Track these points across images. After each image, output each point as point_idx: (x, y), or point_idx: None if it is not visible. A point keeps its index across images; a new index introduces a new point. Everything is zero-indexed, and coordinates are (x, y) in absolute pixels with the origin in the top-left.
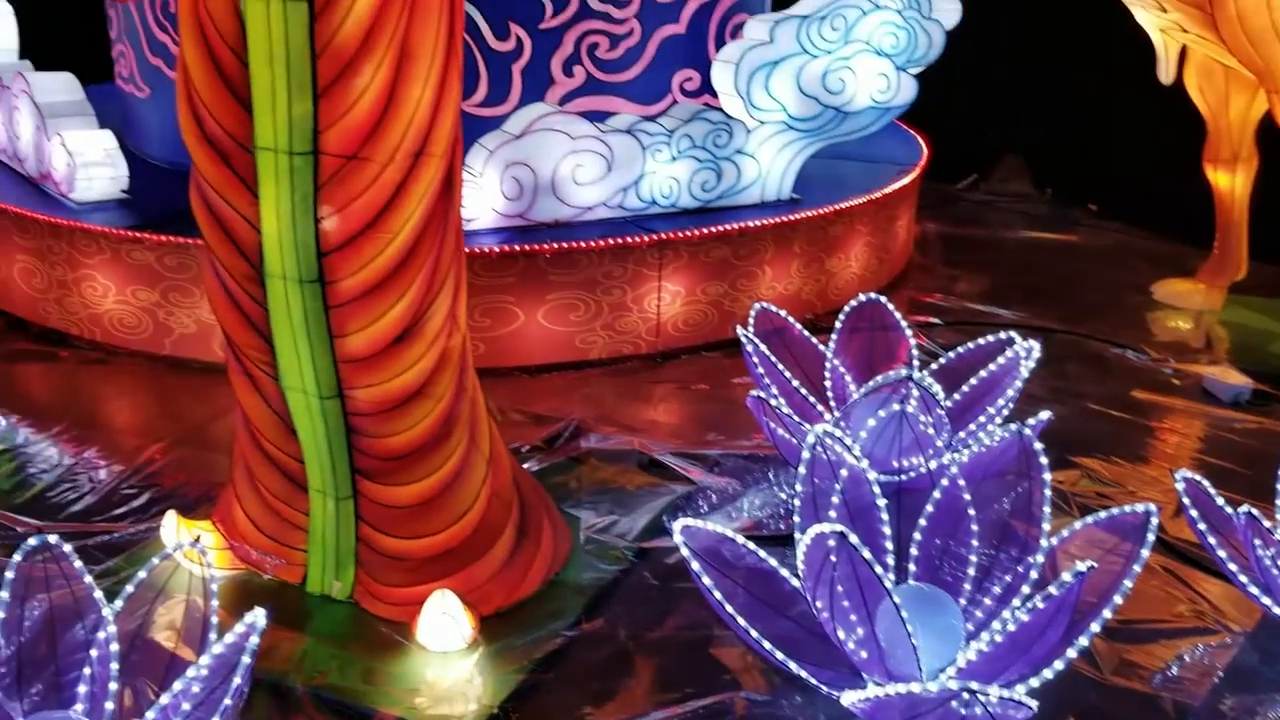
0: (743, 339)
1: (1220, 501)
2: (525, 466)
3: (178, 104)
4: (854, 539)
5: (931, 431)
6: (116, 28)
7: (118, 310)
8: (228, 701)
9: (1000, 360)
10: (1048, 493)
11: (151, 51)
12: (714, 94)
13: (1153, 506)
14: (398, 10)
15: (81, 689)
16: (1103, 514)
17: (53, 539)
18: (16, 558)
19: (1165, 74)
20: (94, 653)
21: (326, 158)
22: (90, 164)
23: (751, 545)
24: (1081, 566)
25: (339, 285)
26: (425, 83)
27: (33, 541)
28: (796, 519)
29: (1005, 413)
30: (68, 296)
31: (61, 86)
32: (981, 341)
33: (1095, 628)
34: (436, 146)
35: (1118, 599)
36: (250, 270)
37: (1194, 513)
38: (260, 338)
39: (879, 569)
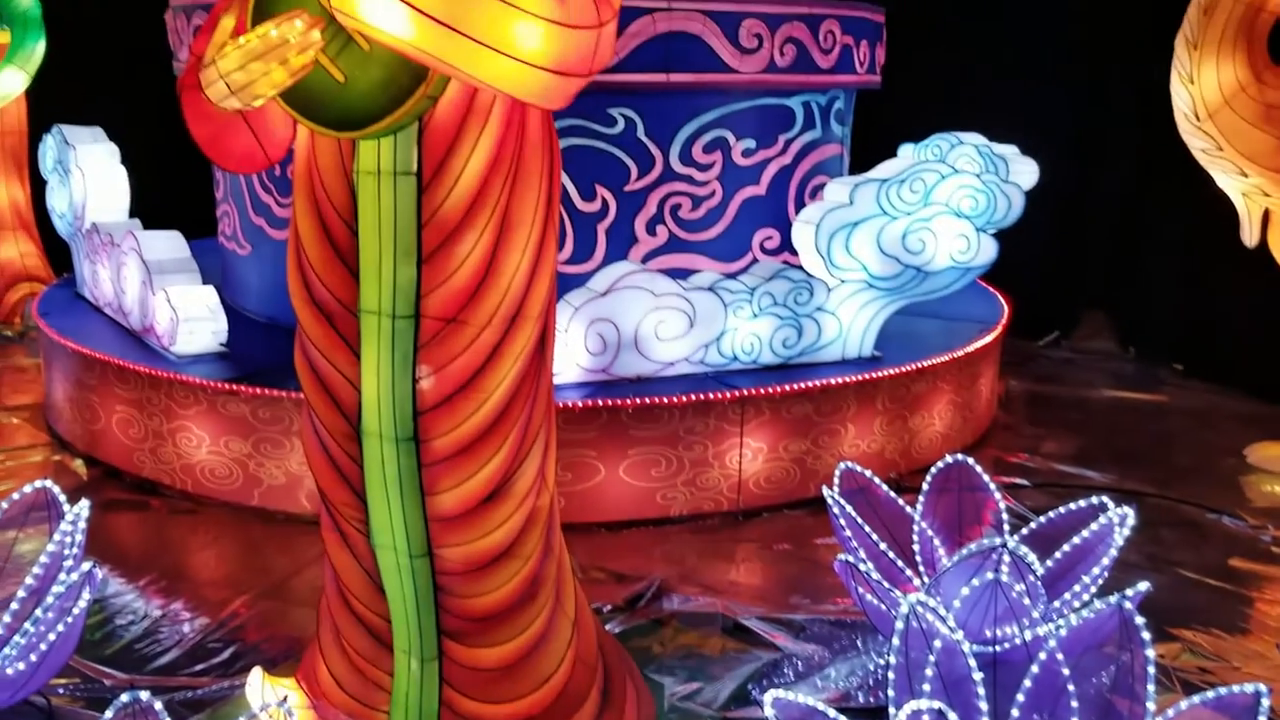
0: (828, 500)
1: None
2: (608, 628)
3: (288, 269)
4: (952, 717)
5: (1026, 601)
6: (222, 189)
7: (210, 460)
8: None
9: (1093, 527)
10: (1151, 669)
11: (255, 211)
12: (794, 252)
13: (1262, 687)
14: (500, 183)
15: None
16: (1209, 693)
17: (144, 695)
18: (108, 714)
19: (1249, 237)
20: None
21: (427, 321)
22: (192, 318)
23: (843, 719)
24: None
25: (433, 444)
26: (523, 250)
27: (125, 698)
28: (890, 692)
29: (1100, 582)
30: (162, 446)
31: (168, 244)
32: (1073, 506)
33: None
34: (532, 310)
35: None
36: (348, 428)
37: None
38: (354, 494)
39: None
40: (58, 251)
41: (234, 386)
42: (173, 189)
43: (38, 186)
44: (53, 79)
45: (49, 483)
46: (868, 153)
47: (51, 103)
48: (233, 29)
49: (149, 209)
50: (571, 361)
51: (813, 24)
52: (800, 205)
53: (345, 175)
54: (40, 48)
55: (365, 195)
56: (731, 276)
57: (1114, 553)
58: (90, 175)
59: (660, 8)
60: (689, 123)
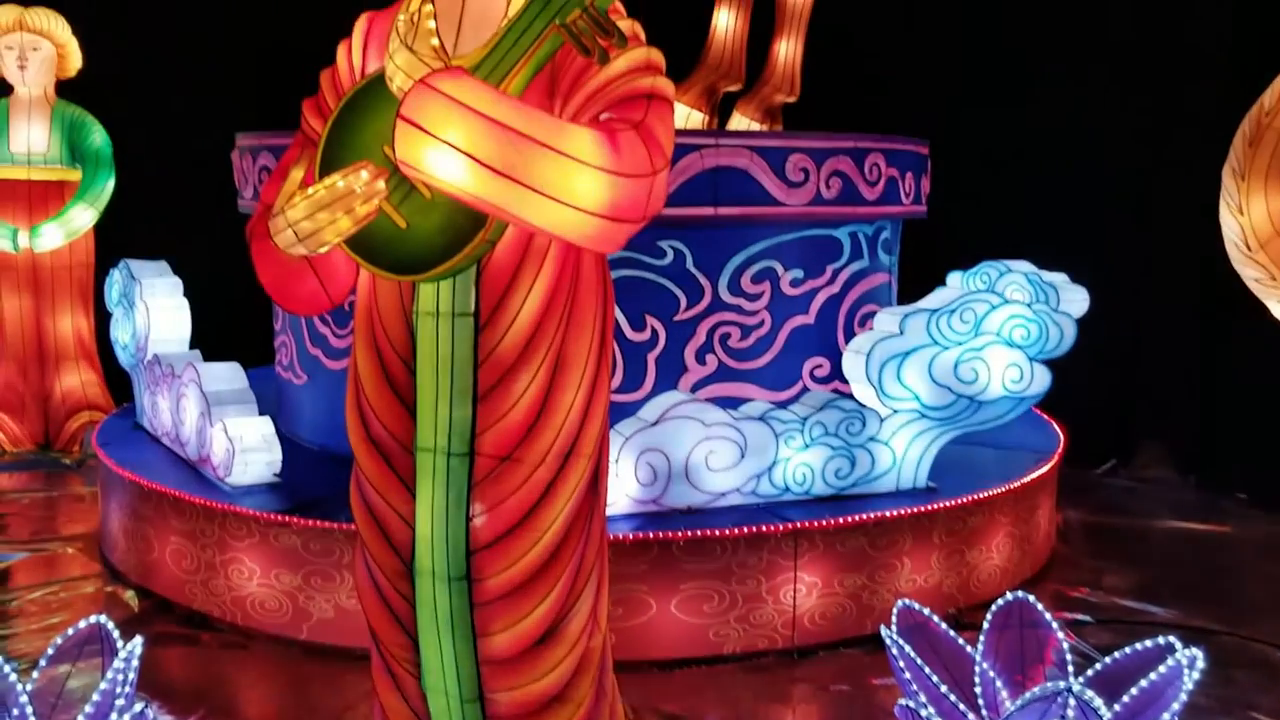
0: (887, 640)
1: None
2: None
3: (347, 407)
4: None
5: None
6: (281, 320)
7: (260, 593)
8: None
9: (1161, 669)
10: None
11: (312, 342)
12: (845, 381)
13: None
14: (555, 323)
15: None
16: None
17: None
18: None
19: None
20: None
21: (482, 458)
22: (248, 449)
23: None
24: None
25: (486, 583)
26: (577, 388)
27: None
28: None
29: None
30: (214, 579)
31: (227, 375)
32: (1139, 647)
33: None
34: (586, 447)
35: None
36: (401, 567)
37: None
38: (406, 635)
39: None
40: (118, 382)
41: (286, 518)
42: (233, 319)
43: (102, 318)
44: (121, 213)
45: (103, 618)
46: (916, 280)
47: (119, 236)
48: (301, 179)
49: (209, 338)
50: (622, 492)
51: (858, 157)
52: (849, 334)
53: (404, 316)
54: (110, 185)
55: (424, 335)
56: (782, 405)
57: (1184, 697)
58: (154, 308)
59: (708, 144)
60: (737, 254)
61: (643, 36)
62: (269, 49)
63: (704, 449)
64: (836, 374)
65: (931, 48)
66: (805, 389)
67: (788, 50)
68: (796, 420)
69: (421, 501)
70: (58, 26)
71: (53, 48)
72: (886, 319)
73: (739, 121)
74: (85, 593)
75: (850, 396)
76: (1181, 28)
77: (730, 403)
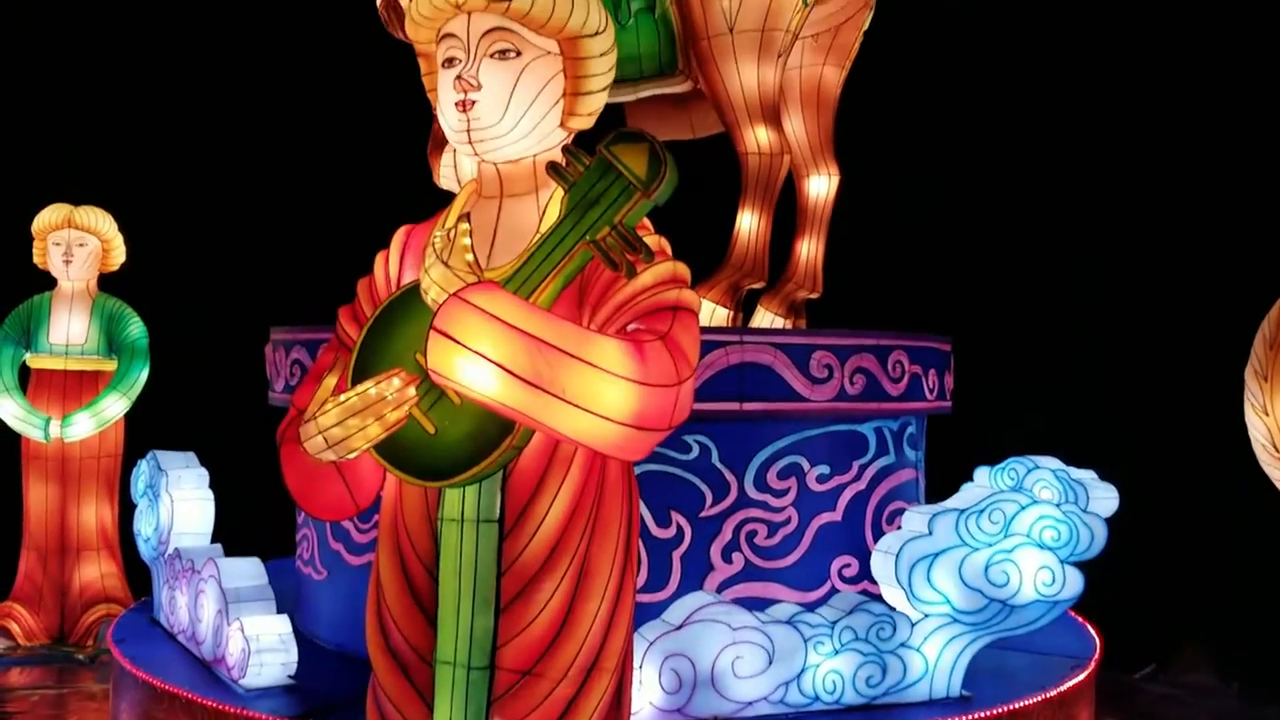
0: None
1: None
2: None
3: (367, 616)
4: None
5: None
6: (303, 513)
7: None
8: None
9: None
10: None
11: (334, 537)
12: (873, 581)
13: None
14: (580, 530)
15: None
16: None
17: None
18: None
19: None
20: None
21: (502, 673)
22: (264, 650)
23: None
24: None
25: None
26: (601, 598)
27: None
28: None
29: None
30: None
31: (247, 572)
32: None
33: None
34: (609, 662)
35: None
36: None
37: None
38: None
39: None
40: (139, 574)
41: None
42: (256, 508)
43: (126, 508)
44: (152, 403)
45: None
46: (943, 476)
47: (148, 426)
48: (334, 386)
49: (232, 528)
50: (645, 700)
51: (881, 354)
52: (877, 532)
53: (429, 522)
54: (144, 375)
55: (447, 542)
56: (810, 607)
57: None
58: (179, 500)
59: (733, 340)
60: (763, 449)
61: (669, 250)
62: (306, 245)
63: (730, 654)
64: (865, 574)
65: (954, 243)
66: (834, 589)
67: (809, 249)
68: (825, 624)
69: (439, 716)
70: (104, 224)
71: (98, 243)
72: (915, 518)
73: (763, 317)
74: None
75: (879, 599)
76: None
77: (757, 603)
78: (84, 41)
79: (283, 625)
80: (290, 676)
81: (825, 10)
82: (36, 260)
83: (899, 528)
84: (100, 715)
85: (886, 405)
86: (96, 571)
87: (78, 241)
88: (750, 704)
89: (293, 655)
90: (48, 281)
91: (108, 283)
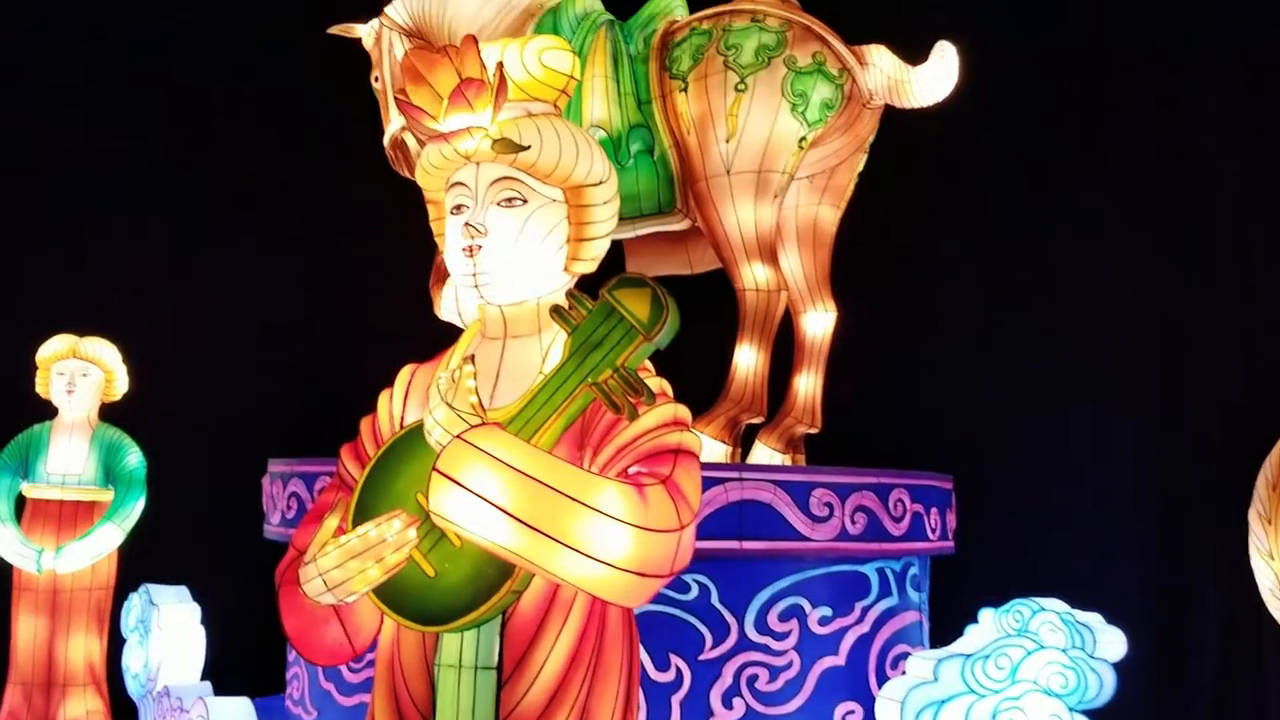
0: None
1: None
2: None
3: None
4: None
5: None
6: (295, 651)
7: None
8: None
9: None
10: None
11: (325, 677)
12: None
13: None
14: (580, 677)
15: None
16: None
17: None
18: None
19: None
20: None
21: None
22: None
23: None
24: None
25: None
26: None
27: None
28: None
29: None
30: None
31: (235, 712)
32: None
33: None
34: None
35: None
36: None
37: None
38: None
39: None
40: (125, 711)
41: None
42: (247, 643)
43: (115, 643)
44: (146, 535)
45: None
46: (947, 617)
47: (141, 558)
48: (335, 528)
49: (222, 663)
50: None
51: (882, 493)
52: (881, 676)
53: (427, 669)
54: (139, 506)
55: (444, 689)
56: None
57: None
58: (169, 635)
59: (732, 477)
60: (764, 589)
61: (670, 393)
62: (306, 380)
63: None
64: None
65: (954, 378)
66: None
67: (808, 384)
68: None
69: None
70: (108, 355)
71: (101, 374)
72: (919, 664)
73: (761, 452)
74: None
75: None
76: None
77: None
78: (83, 170)
79: None
80: None
81: (820, 153)
82: (39, 389)
83: (903, 673)
84: None
85: (889, 545)
86: (82, 708)
87: (81, 372)
88: None
89: None
90: (46, 410)
91: (108, 412)
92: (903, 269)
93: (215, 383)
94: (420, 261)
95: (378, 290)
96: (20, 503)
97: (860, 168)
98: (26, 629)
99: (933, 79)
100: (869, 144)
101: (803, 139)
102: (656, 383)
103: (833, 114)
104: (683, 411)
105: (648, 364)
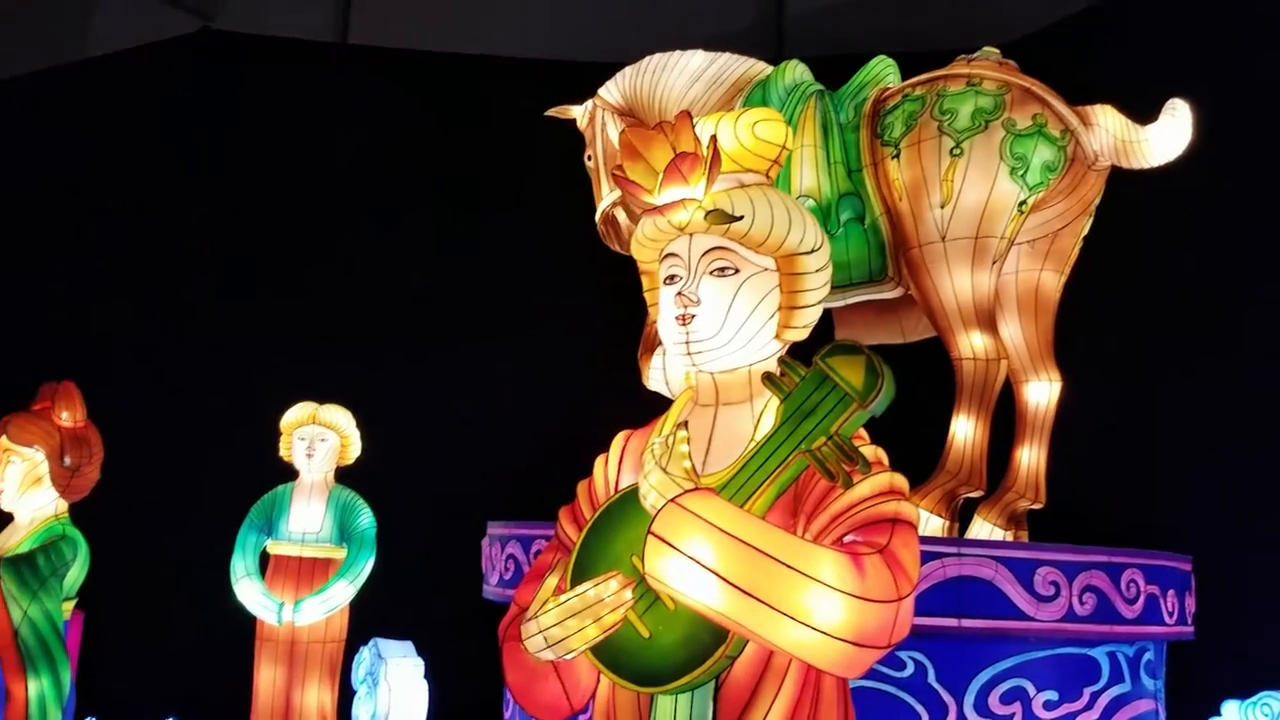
0: None
1: None
2: None
3: None
4: None
5: None
6: (511, 708)
7: None
8: None
9: None
10: None
11: None
12: None
13: None
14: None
15: None
16: None
17: None
18: None
19: None
20: None
21: None
22: None
23: None
24: None
25: None
26: None
27: None
28: None
29: None
30: None
31: None
32: None
33: None
34: None
35: None
36: None
37: None
38: None
39: None
40: None
41: None
42: (467, 700)
43: (344, 694)
44: (373, 591)
45: None
46: (1186, 708)
47: (369, 613)
48: (555, 586)
49: (443, 716)
50: None
51: (1113, 573)
52: None
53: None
54: (369, 564)
55: None
56: None
57: None
58: (396, 688)
59: (950, 552)
60: (984, 670)
61: (885, 461)
62: (525, 445)
63: None
64: None
65: (1189, 453)
66: None
67: (1030, 457)
68: None
69: None
70: (344, 421)
71: (338, 439)
72: None
73: (980, 528)
74: None
75: None
76: None
77: None
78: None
79: None
80: None
81: (1042, 217)
82: (282, 453)
83: None
84: None
85: (1120, 628)
86: None
87: (319, 437)
88: None
89: None
90: (288, 473)
91: (343, 474)
92: (1131, 336)
93: (440, 450)
94: (632, 334)
95: (589, 365)
96: (264, 559)
97: (1085, 231)
98: (267, 678)
99: (1165, 138)
100: (1094, 207)
101: (1023, 203)
102: (872, 451)
103: (1055, 176)
104: (899, 480)
105: (862, 432)
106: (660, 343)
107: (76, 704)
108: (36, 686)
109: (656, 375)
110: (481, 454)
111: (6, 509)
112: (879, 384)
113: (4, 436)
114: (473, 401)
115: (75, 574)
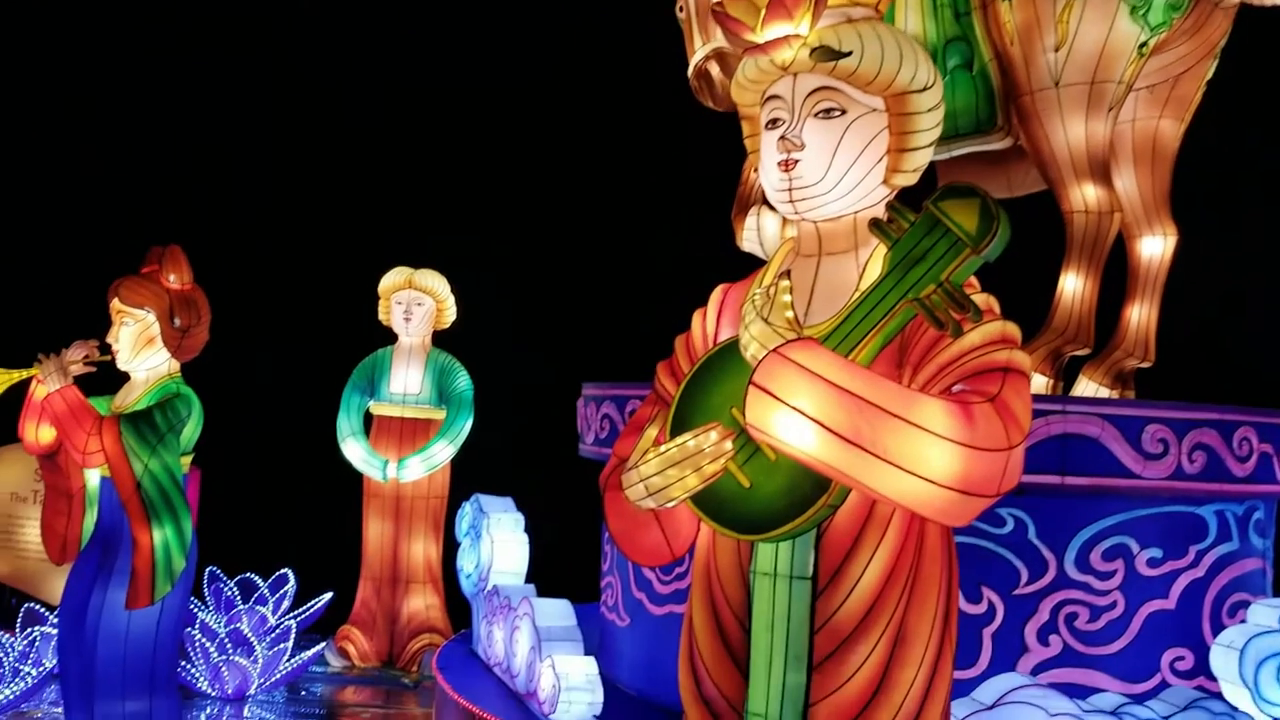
0: None
1: None
2: None
3: (679, 662)
4: None
5: None
6: (609, 560)
7: None
8: None
9: None
10: None
11: (637, 586)
12: (1211, 677)
13: None
14: (897, 594)
15: None
16: None
17: None
18: None
19: None
20: None
21: None
22: (573, 688)
23: None
24: None
25: None
26: (918, 666)
27: None
28: None
29: None
30: None
31: (558, 612)
32: None
33: None
34: None
35: None
36: None
37: None
38: None
39: None
40: (458, 608)
41: None
42: (565, 555)
43: (449, 546)
44: (474, 450)
45: None
46: None
47: (470, 471)
48: (655, 437)
49: (542, 572)
50: None
51: (1225, 430)
52: (1216, 625)
53: (742, 575)
54: (468, 425)
55: (760, 596)
56: (1137, 699)
57: None
58: (498, 541)
59: (1055, 410)
60: (1086, 528)
61: (997, 309)
62: (616, 305)
63: None
64: (1201, 669)
65: None
66: (1164, 683)
67: (1141, 314)
68: (1156, 718)
69: None
70: (439, 285)
71: (434, 303)
72: (1264, 611)
73: (1086, 387)
74: None
75: (1219, 696)
76: None
77: (1077, 691)
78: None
79: (590, 666)
80: (596, 717)
81: (1162, 60)
82: (381, 317)
83: (1243, 621)
84: None
85: (1230, 487)
86: (422, 603)
87: (416, 301)
88: None
89: (599, 696)
90: (388, 336)
91: (441, 338)
92: (1256, 188)
93: (536, 311)
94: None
95: (683, 222)
96: (368, 419)
97: (1209, 75)
98: (375, 531)
99: None
100: (1219, 49)
101: (1143, 44)
102: (983, 298)
103: (1179, 15)
104: (1011, 329)
105: (973, 279)
106: (755, 202)
107: (198, 555)
108: (161, 535)
109: (750, 236)
110: (577, 316)
111: (123, 369)
112: (994, 228)
113: (116, 299)
114: (566, 273)
115: (191, 430)
